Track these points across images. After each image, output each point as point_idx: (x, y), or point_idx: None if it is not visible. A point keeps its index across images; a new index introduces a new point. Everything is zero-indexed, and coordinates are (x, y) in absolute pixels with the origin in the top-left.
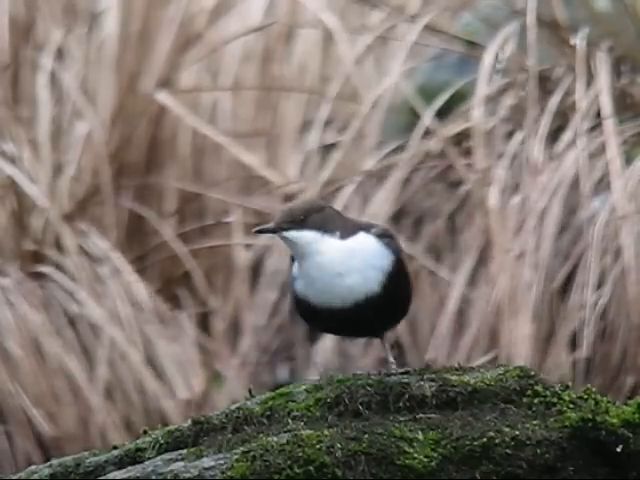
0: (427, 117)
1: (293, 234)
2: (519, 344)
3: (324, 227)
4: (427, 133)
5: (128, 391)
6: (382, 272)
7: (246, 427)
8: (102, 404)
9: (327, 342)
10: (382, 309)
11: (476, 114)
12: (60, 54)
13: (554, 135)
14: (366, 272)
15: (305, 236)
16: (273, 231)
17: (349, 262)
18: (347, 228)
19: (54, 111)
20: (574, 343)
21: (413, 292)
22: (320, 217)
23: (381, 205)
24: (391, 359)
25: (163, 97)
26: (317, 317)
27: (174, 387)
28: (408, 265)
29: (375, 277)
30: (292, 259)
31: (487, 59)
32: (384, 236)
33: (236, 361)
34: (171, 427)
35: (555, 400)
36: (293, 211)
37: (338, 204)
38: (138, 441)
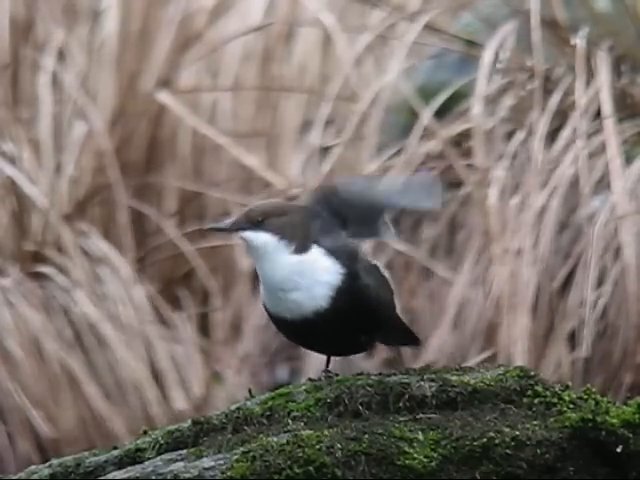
0: (426, 117)
1: (248, 235)
2: (517, 341)
3: (282, 232)
4: (427, 133)
5: (128, 392)
6: (330, 288)
7: (246, 427)
8: (102, 405)
9: None
10: (339, 324)
11: (475, 113)
12: (60, 54)
13: (554, 134)
14: (312, 289)
15: (259, 238)
16: (228, 230)
17: (293, 279)
18: (307, 239)
19: (54, 111)
20: (573, 341)
21: (387, 301)
22: (280, 222)
23: None
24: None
25: (163, 97)
26: (277, 325)
27: (172, 393)
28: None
29: (322, 294)
30: None
31: (486, 57)
32: (339, 249)
33: (237, 362)
34: (171, 427)
35: (555, 400)
36: (252, 212)
37: None
38: (138, 441)
